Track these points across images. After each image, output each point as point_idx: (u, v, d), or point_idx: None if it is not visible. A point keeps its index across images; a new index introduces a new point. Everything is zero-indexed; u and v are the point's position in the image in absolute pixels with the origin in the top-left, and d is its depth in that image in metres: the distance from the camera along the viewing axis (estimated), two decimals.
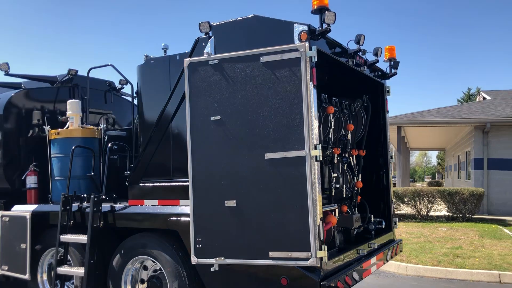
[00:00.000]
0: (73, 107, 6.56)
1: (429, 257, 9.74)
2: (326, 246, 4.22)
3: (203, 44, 4.93)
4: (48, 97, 7.15)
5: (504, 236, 12.67)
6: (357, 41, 5.14)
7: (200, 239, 4.59)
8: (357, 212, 6.00)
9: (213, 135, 4.59)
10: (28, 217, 5.98)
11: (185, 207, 4.96)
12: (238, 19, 4.77)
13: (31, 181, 6.54)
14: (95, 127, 6.56)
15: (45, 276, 6.23)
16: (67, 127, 6.49)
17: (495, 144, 17.87)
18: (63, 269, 5.65)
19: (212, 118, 4.60)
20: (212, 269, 4.54)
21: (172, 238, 5.15)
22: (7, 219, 6.32)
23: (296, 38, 4.41)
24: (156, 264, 5.38)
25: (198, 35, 4.95)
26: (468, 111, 19.39)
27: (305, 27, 4.38)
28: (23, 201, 6.56)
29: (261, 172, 4.38)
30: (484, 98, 26.90)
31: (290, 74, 4.33)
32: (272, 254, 4.31)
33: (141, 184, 5.36)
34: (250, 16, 4.69)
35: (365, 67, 5.65)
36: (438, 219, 16.52)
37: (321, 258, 4.20)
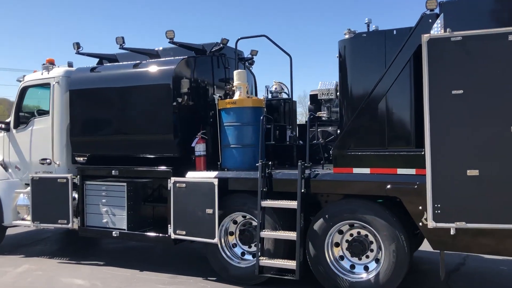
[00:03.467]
0: (240, 77, 6.68)
1: None
2: None
3: (429, 20, 5.17)
4: (202, 65, 7.20)
5: None
6: None
7: (438, 205, 4.92)
8: None
9: (454, 108, 4.86)
10: (216, 183, 6.12)
11: (407, 176, 5.28)
12: None
13: (200, 148, 6.65)
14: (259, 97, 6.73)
15: (222, 241, 6.44)
16: (235, 97, 6.61)
17: None
18: (270, 233, 5.89)
19: (453, 92, 4.87)
20: (451, 232, 4.90)
21: (385, 204, 5.48)
22: (183, 185, 6.43)
23: None
24: (353, 228, 5.72)
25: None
26: None
27: None
28: (188, 168, 6.69)
29: (506, 143, 4.72)
30: None
31: None
32: None
33: (349, 153, 5.61)
34: None
35: None
36: None
37: None
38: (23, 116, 8.41)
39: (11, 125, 8.42)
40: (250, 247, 6.42)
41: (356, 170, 5.59)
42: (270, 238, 6.00)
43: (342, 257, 5.83)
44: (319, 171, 5.87)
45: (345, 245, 5.81)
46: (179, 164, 6.78)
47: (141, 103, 6.91)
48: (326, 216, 5.71)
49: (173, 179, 6.53)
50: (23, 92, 8.36)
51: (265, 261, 5.87)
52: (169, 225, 6.61)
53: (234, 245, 6.53)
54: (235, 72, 6.72)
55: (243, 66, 8.03)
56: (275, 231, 5.96)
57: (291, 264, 5.70)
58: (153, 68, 6.95)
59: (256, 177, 5.96)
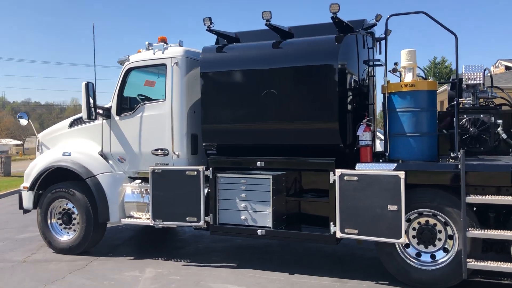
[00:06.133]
0: (411, 57, 5.99)
1: None
2: None
3: None
4: (354, 44, 6.43)
5: None
6: None
7: None
8: None
9: None
10: (402, 176, 5.42)
11: None
12: None
13: (367, 137, 5.94)
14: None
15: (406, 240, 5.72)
16: (407, 79, 5.93)
17: None
18: (480, 233, 5.19)
19: None
20: None
21: None
22: (354, 178, 5.69)
23: None
24: None
25: None
26: None
27: None
28: (349, 159, 6.00)
29: None
30: (507, 67, 27.70)
31: None
32: None
33: None
34: None
35: None
36: None
37: None
38: (127, 101, 7.52)
39: (113, 111, 7.52)
40: (426, 247, 5.76)
41: None
42: (466, 238, 5.34)
43: None
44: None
45: None
46: (338, 154, 6.04)
47: (297, 86, 6.13)
48: None
49: (338, 171, 5.79)
50: (127, 74, 7.46)
51: (474, 264, 5.20)
52: (331, 223, 5.89)
53: (407, 245, 5.84)
54: (404, 52, 6.00)
55: (378, 46, 7.33)
56: (475, 229, 5.30)
57: (509, 267, 5.05)
58: (307, 47, 6.18)
59: (454, 170, 5.29)
